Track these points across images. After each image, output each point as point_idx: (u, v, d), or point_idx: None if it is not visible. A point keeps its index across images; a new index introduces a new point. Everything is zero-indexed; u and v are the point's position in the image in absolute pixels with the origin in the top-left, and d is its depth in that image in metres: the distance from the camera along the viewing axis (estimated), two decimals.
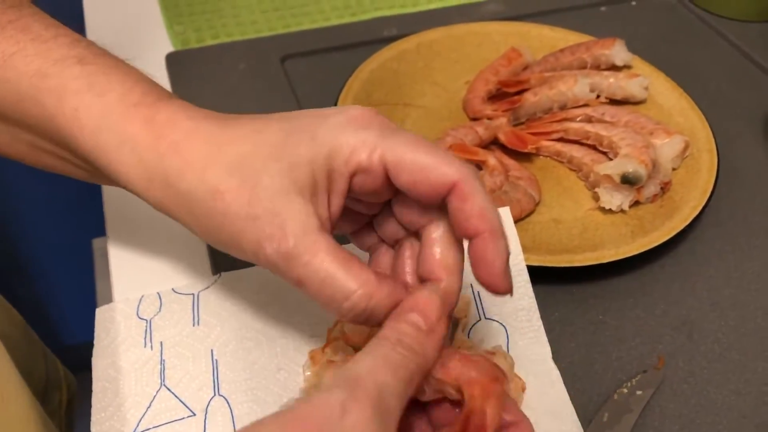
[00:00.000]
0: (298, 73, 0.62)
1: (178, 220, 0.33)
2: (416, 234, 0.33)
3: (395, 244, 0.35)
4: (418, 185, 0.29)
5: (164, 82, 0.61)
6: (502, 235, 0.29)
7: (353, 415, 0.24)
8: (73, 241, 0.96)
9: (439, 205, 0.31)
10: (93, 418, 0.37)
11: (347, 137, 0.30)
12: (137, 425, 0.36)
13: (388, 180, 0.30)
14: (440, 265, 0.31)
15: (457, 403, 0.29)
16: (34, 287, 1.14)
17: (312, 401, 0.24)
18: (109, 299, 0.44)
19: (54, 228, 1.05)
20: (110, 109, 0.32)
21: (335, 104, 0.55)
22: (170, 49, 0.65)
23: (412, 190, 0.30)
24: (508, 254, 0.30)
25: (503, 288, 0.29)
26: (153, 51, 0.64)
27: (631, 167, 0.47)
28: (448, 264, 0.31)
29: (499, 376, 0.29)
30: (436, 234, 0.31)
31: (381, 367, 0.26)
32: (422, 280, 0.32)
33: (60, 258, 1.10)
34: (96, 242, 0.71)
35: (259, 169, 0.30)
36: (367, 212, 0.34)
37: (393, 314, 0.29)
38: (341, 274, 0.28)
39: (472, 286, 0.41)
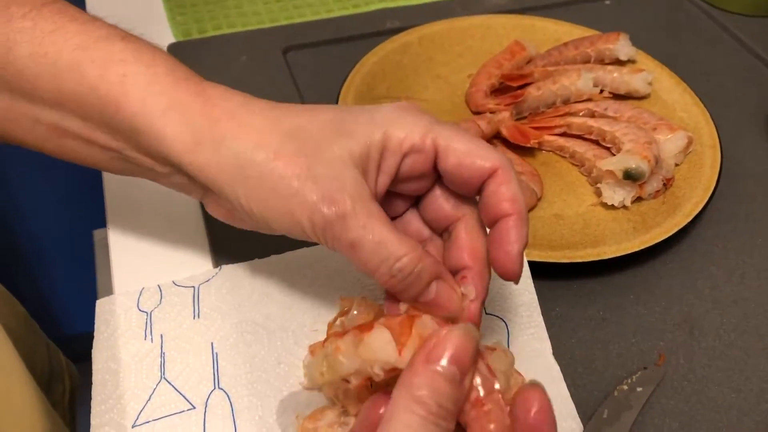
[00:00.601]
0: (300, 65, 0.62)
1: (218, 185, 0.32)
2: (440, 234, 0.35)
3: None
4: (463, 168, 0.31)
5: None
6: (527, 224, 0.32)
7: None
8: (74, 232, 0.96)
9: (474, 193, 0.33)
10: (93, 411, 0.37)
11: (404, 120, 0.32)
12: (137, 418, 0.36)
13: (433, 165, 0.32)
14: (472, 254, 0.33)
15: None
16: (35, 278, 1.14)
17: None
18: (109, 290, 0.44)
19: (55, 219, 1.05)
20: (159, 78, 0.33)
21: (337, 97, 0.54)
22: (172, 39, 0.64)
23: (456, 173, 0.32)
24: (526, 243, 0.32)
25: (514, 272, 0.31)
26: (154, 41, 0.63)
27: (633, 163, 0.47)
28: (481, 252, 0.33)
29: None
30: (467, 227, 0.33)
31: None
32: (452, 273, 0.33)
33: (61, 249, 1.09)
34: (97, 233, 0.71)
35: (317, 140, 0.31)
36: (391, 213, 0.35)
37: (426, 353, 0.26)
38: (394, 238, 0.30)
39: None
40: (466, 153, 0.31)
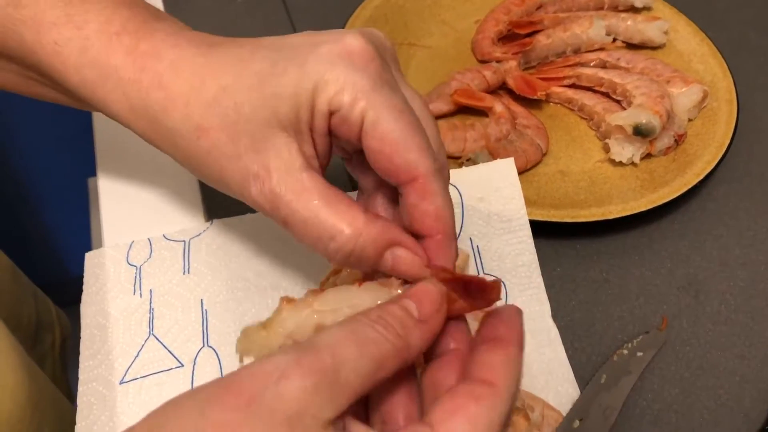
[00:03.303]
0: (299, 7, 0.59)
1: (166, 152, 0.32)
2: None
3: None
4: (380, 158, 0.27)
5: None
6: (454, 240, 0.28)
7: (291, 383, 0.21)
8: (70, 179, 0.94)
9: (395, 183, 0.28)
10: (81, 366, 0.36)
11: (337, 73, 0.27)
12: (125, 374, 0.36)
13: (360, 135, 0.28)
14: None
15: None
16: (27, 225, 1.13)
17: (251, 367, 0.22)
18: (102, 239, 0.43)
19: (51, 166, 1.03)
20: (91, 42, 0.32)
21: None
22: None
23: (372, 159, 0.28)
24: (456, 259, 0.29)
25: None
26: None
27: (644, 118, 0.44)
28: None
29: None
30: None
31: (345, 340, 0.22)
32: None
33: (57, 194, 1.08)
34: (91, 181, 0.70)
35: (240, 102, 0.29)
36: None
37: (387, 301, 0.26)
38: (326, 214, 0.27)
39: (471, 240, 0.40)
40: (390, 141, 0.27)
